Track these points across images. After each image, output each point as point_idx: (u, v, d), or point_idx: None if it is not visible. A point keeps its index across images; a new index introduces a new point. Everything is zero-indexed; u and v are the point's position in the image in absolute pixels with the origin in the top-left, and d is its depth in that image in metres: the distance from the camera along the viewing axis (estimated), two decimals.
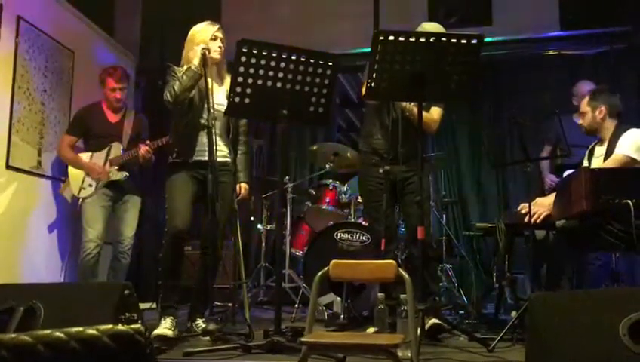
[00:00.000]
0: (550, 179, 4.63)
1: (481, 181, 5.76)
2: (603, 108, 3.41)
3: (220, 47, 3.38)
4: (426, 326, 3.06)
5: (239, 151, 3.57)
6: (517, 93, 5.62)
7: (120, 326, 0.81)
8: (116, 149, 4.32)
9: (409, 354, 2.25)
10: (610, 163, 3.26)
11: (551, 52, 5.58)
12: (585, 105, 3.50)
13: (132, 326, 0.82)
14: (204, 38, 3.35)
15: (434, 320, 3.11)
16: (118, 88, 4.34)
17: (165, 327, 3.12)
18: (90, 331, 0.77)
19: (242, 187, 3.64)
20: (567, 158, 4.16)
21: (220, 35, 3.39)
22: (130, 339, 0.78)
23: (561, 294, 2.78)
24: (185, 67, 3.30)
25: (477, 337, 2.99)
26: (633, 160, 3.19)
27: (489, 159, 5.62)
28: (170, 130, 3.49)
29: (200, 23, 3.45)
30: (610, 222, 3.01)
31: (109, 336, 0.77)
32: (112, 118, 4.41)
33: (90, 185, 4.25)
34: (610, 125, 3.41)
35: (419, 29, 3.33)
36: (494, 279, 4.58)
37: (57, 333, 0.77)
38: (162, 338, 3.00)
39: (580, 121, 3.56)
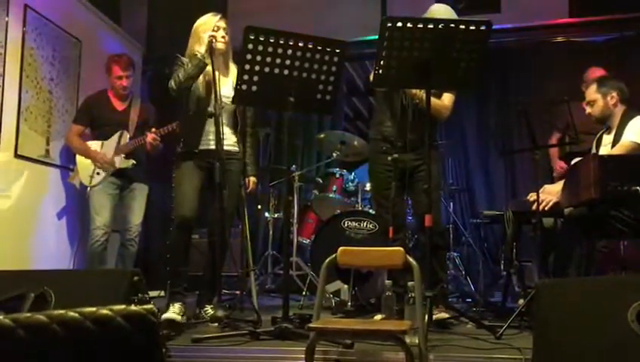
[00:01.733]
0: (559, 165, 4.61)
1: (489, 169, 5.75)
2: (615, 93, 3.38)
3: (223, 37, 3.37)
4: (434, 318, 3.08)
5: (248, 145, 3.59)
6: (525, 80, 5.58)
7: (133, 307, 0.82)
8: (123, 138, 4.33)
9: (417, 341, 2.26)
10: (617, 150, 3.24)
11: (559, 39, 5.53)
12: (594, 93, 3.45)
13: (144, 306, 0.84)
14: (207, 29, 3.35)
15: (442, 314, 3.12)
16: (124, 76, 4.34)
17: (174, 312, 3.15)
18: (104, 311, 0.79)
19: (251, 181, 3.66)
20: (575, 146, 4.13)
21: (222, 24, 3.39)
22: (143, 319, 0.79)
23: (569, 281, 2.79)
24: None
25: (484, 324, 3.00)
26: None
27: (497, 147, 5.60)
28: (179, 120, 3.50)
29: (203, 16, 3.45)
30: (618, 209, 3.00)
31: (122, 316, 0.78)
32: (119, 106, 4.42)
33: (98, 174, 4.27)
34: (619, 112, 3.38)
35: (427, 14, 3.30)
36: (502, 267, 4.59)
37: (72, 313, 0.78)
38: (171, 322, 3.03)
39: (588, 110, 3.52)
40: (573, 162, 3.44)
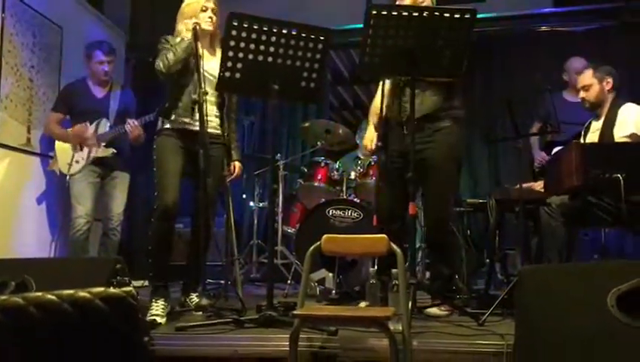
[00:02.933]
0: (540, 155, 4.64)
1: (473, 157, 5.77)
2: (610, 79, 3.41)
3: (210, 17, 3.29)
4: (427, 312, 3.09)
5: (231, 130, 3.53)
6: (509, 69, 5.61)
7: (112, 289, 0.81)
8: (103, 125, 4.29)
9: (400, 328, 2.28)
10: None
11: (543, 28, 5.56)
12: (590, 78, 3.46)
13: (124, 288, 0.83)
14: (194, 9, 3.29)
15: (434, 310, 3.13)
16: (105, 61, 4.31)
17: (156, 314, 3.01)
18: (83, 293, 0.78)
19: (236, 165, 3.60)
20: (556, 135, 4.17)
21: (210, 5, 3.31)
22: (122, 302, 0.78)
23: (550, 266, 2.82)
24: (178, 38, 3.24)
25: (467, 311, 3.02)
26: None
27: (480, 135, 5.63)
28: (166, 96, 3.39)
29: None
30: (600, 197, 3.04)
31: (101, 299, 0.77)
32: (98, 93, 4.39)
33: (77, 162, 4.23)
34: (610, 99, 3.41)
35: None
36: (485, 255, 4.62)
37: (49, 296, 0.77)
38: (152, 324, 2.89)
39: (581, 95, 3.53)
40: (554, 151, 3.47)
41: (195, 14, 3.26)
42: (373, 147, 3.49)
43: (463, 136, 3.39)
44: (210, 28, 3.31)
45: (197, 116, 3.12)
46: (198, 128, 3.10)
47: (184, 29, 3.24)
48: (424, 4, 3.19)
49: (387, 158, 3.31)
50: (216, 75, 3.07)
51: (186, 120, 3.25)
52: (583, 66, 4.13)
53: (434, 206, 3.26)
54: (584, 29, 5.46)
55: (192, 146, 3.21)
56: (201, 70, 3.11)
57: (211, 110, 3.28)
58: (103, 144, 4.26)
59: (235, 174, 3.61)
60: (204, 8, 3.29)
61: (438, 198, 3.25)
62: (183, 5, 3.36)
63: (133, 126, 4.04)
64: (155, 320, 2.96)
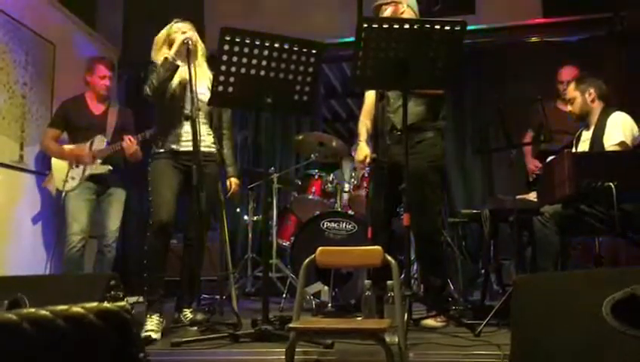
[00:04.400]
0: (533, 164, 4.66)
1: (466, 168, 5.79)
2: (592, 90, 3.44)
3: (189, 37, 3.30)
4: (423, 324, 3.09)
5: (225, 147, 3.56)
6: (500, 80, 5.64)
7: (106, 304, 0.81)
8: (99, 142, 4.28)
9: (396, 340, 2.27)
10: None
11: (533, 39, 5.61)
12: (572, 91, 3.50)
13: (118, 303, 0.82)
14: (166, 36, 3.34)
15: (430, 322, 3.13)
16: (107, 76, 4.32)
17: (151, 330, 3.01)
18: (76, 309, 0.77)
19: (233, 182, 3.64)
20: (549, 144, 4.20)
21: (182, 27, 3.34)
22: (116, 317, 0.78)
23: (545, 275, 2.82)
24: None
25: (464, 322, 3.01)
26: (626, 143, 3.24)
27: (473, 146, 5.65)
28: (155, 121, 3.46)
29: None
30: (592, 206, 3.05)
31: (95, 314, 0.77)
32: (96, 109, 4.38)
33: (73, 178, 4.22)
34: (597, 108, 3.44)
35: None
36: (480, 265, 4.62)
37: (43, 311, 0.76)
38: (147, 341, 2.87)
39: (568, 108, 3.57)
40: (548, 160, 3.49)
41: (169, 38, 3.32)
42: (368, 160, 3.49)
43: (445, 147, 3.43)
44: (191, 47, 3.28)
45: (186, 137, 3.18)
46: (187, 149, 3.15)
47: (164, 51, 3.29)
48: (404, 16, 3.22)
49: (376, 169, 3.33)
50: (205, 96, 3.12)
51: (174, 146, 3.29)
52: (571, 76, 4.18)
53: (421, 217, 3.22)
54: (575, 40, 5.51)
55: (185, 164, 3.24)
56: (194, 86, 3.13)
57: (202, 129, 3.29)
58: (99, 161, 4.25)
59: (231, 191, 3.64)
60: (180, 33, 3.31)
61: (425, 209, 3.24)
62: (156, 38, 3.40)
63: (129, 143, 4.04)
64: (150, 336, 2.94)
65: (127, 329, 0.81)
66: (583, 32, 5.46)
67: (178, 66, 3.23)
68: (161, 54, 3.32)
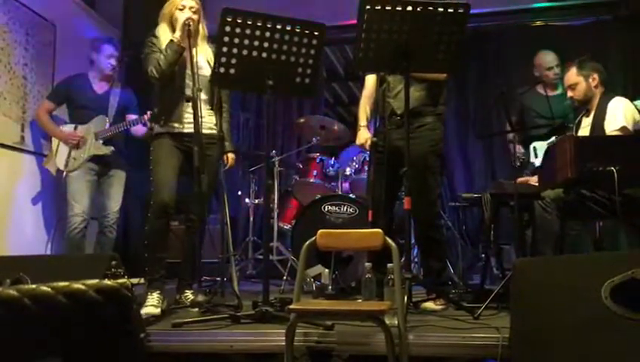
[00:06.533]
0: (518, 150, 4.64)
1: (468, 152, 5.78)
2: (596, 75, 3.42)
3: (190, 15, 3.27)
4: (423, 307, 3.10)
5: (224, 121, 3.52)
6: (503, 64, 5.61)
7: (106, 281, 0.81)
8: (101, 122, 4.28)
9: (396, 322, 2.28)
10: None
11: (537, 23, 5.56)
12: (575, 76, 3.48)
13: (118, 280, 0.83)
14: (173, 8, 3.30)
15: (430, 305, 3.14)
16: (115, 56, 4.31)
17: (152, 305, 3.05)
18: (77, 285, 0.78)
19: (229, 157, 3.62)
20: (533, 130, 4.23)
21: (188, 3, 3.29)
22: (116, 293, 0.78)
23: (545, 259, 2.83)
24: (166, 40, 3.23)
25: (463, 305, 3.02)
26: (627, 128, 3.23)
27: (475, 130, 5.64)
28: (155, 101, 3.43)
29: None
30: (593, 190, 3.05)
31: (95, 290, 0.77)
32: (99, 88, 4.37)
33: (75, 159, 4.21)
34: (598, 94, 3.42)
35: None
36: (480, 249, 4.64)
37: (44, 287, 0.77)
38: (148, 321, 2.87)
39: (570, 93, 3.54)
40: (547, 142, 3.49)
41: (172, 14, 3.28)
42: (369, 144, 3.48)
43: (444, 132, 3.40)
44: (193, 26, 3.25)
45: (188, 118, 3.16)
46: (189, 130, 3.14)
47: (169, 30, 3.26)
48: None
49: (376, 153, 3.32)
50: (206, 73, 3.09)
51: (176, 124, 3.27)
52: (550, 60, 4.15)
53: (421, 201, 3.19)
54: (579, 24, 5.46)
55: (186, 145, 3.23)
56: (195, 67, 3.11)
57: (203, 110, 3.27)
58: (101, 141, 4.24)
59: (228, 165, 3.62)
60: (181, 7, 3.28)
61: (425, 193, 3.23)
62: (163, 8, 3.36)
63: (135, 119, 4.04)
64: (151, 313, 2.97)
65: (127, 305, 0.81)
66: (588, 15, 5.42)
67: (184, 49, 3.20)
68: (163, 30, 3.29)
